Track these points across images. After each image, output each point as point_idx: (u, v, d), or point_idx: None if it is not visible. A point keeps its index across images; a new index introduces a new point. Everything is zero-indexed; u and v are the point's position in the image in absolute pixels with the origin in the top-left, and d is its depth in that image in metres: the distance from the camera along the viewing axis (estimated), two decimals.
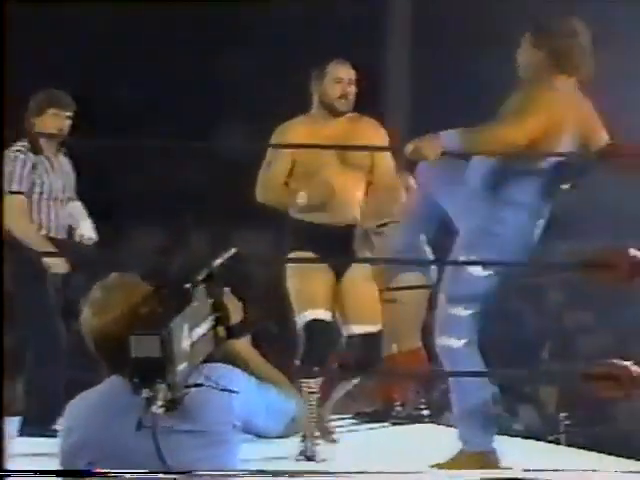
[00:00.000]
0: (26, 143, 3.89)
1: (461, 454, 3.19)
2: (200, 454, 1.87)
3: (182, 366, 1.83)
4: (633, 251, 3.07)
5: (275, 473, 1.97)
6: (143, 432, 1.83)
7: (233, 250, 2.12)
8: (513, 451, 3.34)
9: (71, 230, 3.99)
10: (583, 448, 3.87)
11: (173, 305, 1.85)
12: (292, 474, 2.06)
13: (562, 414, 4.54)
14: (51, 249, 3.87)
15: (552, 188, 3.15)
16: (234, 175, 8.78)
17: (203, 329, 1.90)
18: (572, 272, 3.30)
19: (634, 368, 3.25)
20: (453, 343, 3.10)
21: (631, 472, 3.11)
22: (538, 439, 4.15)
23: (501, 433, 3.39)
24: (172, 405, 1.83)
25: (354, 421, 4.27)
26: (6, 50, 1.71)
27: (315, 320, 3.51)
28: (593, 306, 8.48)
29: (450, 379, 3.25)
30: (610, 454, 3.68)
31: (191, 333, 1.86)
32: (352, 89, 3.50)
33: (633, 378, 3.22)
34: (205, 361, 1.89)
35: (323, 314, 3.52)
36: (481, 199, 3.10)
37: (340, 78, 3.49)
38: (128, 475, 1.84)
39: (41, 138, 3.88)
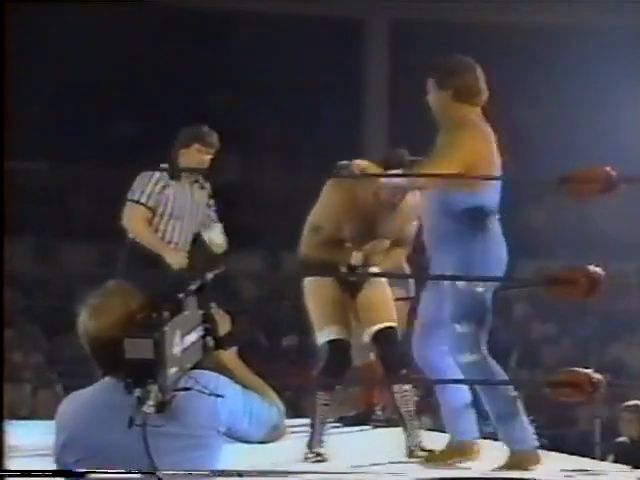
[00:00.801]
0: (167, 166, 4.09)
1: (450, 444, 3.34)
2: (184, 456, 1.88)
3: (173, 370, 1.85)
4: (591, 267, 3.12)
5: (280, 473, 1.99)
6: (132, 431, 1.83)
7: (222, 267, 2.16)
8: (485, 452, 3.38)
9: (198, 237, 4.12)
10: (546, 449, 3.92)
11: (166, 312, 1.86)
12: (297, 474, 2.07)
13: (529, 417, 4.58)
14: (168, 248, 4.00)
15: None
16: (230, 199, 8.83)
17: (193, 337, 1.92)
18: (537, 287, 3.35)
19: (594, 375, 3.30)
20: (467, 358, 3.21)
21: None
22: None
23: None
24: (162, 407, 1.84)
25: (337, 424, 4.29)
26: (6, 50, 1.71)
27: (333, 340, 3.56)
28: (556, 319, 8.53)
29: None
30: (572, 454, 3.72)
31: (182, 340, 1.88)
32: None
33: (593, 384, 3.27)
34: (193, 368, 1.91)
35: (340, 333, 3.57)
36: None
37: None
38: (122, 475, 1.83)
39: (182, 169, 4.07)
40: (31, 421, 4.74)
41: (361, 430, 4.28)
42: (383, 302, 3.64)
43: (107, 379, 1.93)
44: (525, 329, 8.64)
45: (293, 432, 4.21)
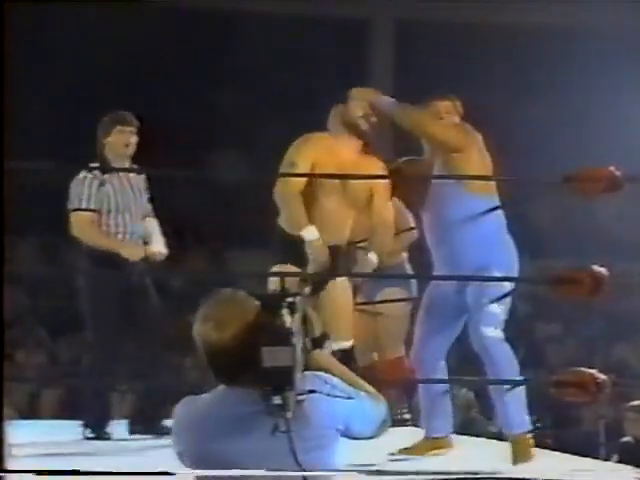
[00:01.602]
0: (97, 164, 4.05)
1: (424, 440, 3.40)
2: (305, 457, 1.90)
3: (299, 375, 1.90)
4: (596, 267, 3.11)
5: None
6: (260, 439, 1.87)
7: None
8: (490, 451, 3.37)
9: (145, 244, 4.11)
10: (551, 449, 3.90)
11: (290, 319, 1.90)
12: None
13: (533, 417, 4.57)
14: (122, 243, 4.00)
15: None
16: (226, 200, 8.83)
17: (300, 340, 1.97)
18: (542, 287, 3.34)
19: (599, 375, 3.29)
20: (493, 333, 3.32)
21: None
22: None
23: (478, 435, 3.43)
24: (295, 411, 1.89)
25: None
26: (6, 50, 1.71)
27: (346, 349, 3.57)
28: (561, 318, 8.51)
29: (418, 376, 3.39)
30: (575, 454, 3.71)
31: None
32: (373, 115, 3.50)
33: (597, 384, 3.26)
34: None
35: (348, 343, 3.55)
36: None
37: (362, 100, 3.49)
38: (127, 477, 1.84)
39: (111, 158, 4.03)
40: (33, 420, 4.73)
41: None
42: (345, 311, 3.56)
43: (223, 388, 1.94)
44: (529, 329, 8.62)
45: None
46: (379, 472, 2.11)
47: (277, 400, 1.86)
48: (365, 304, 4.16)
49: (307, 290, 1.92)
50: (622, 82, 8.38)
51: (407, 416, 4.35)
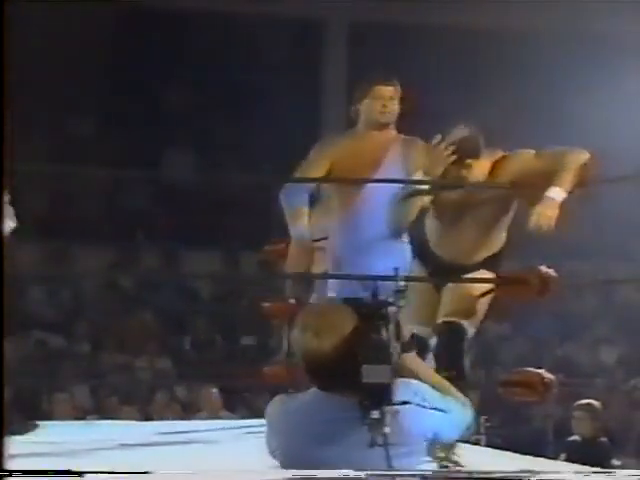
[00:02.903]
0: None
1: None
2: (394, 463, 1.93)
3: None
4: (544, 268, 3.15)
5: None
6: (345, 444, 1.91)
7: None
8: None
9: None
10: (500, 448, 3.93)
11: (377, 330, 1.95)
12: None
13: (483, 417, 4.61)
14: None
15: None
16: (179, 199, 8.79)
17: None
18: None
19: (546, 375, 3.33)
20: None
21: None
22: (461, 441, 4.20)
23: None
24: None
25: None
26: (6, 50, 1.69)
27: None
28: (511, 318, 8.60)
29: None
30: (525, 453, 3.74)
31: None
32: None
33: (545, 384, 3.29)
34: None
35: (418, 329, 3.39)
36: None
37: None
38: (122, 476, 1.84)
39: None
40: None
41: None
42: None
43: (317, 392, 1.98)
44: (480, 328, 8.69)
45: (250, 432, 4.22)
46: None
47: (375, 414, 1.91)
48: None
49: (403, 301, 1.94)
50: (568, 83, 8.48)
51: None
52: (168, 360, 7.67)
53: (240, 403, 6.94)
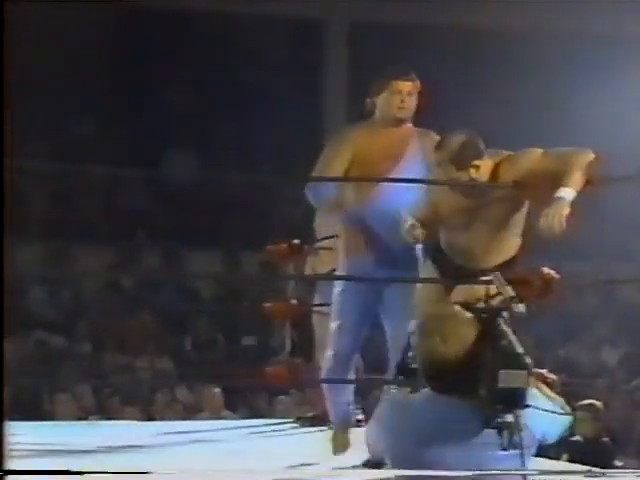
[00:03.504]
0: None
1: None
2: (506, 463, 1.97)
3: None
4: (546, 270, 3.15)
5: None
6: (462, 446, 1.95)
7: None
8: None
9: None
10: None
11: (503, 333, 2.02)
12: None
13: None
14: None
15: None
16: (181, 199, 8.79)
17: None
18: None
19: (549, 375, 3.33)
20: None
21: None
22: None
23: None
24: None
25: (295, 424, 4.29)
26: (6, 50, 1.70)
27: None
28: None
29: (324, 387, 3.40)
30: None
31: None
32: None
33: (548, 384, 3.29)
34: None
35: None
36: None
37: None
38: (122, 476, 1.85)
39: None
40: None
41: (320, 431, 4.28)
42: None
43: (432, 393, 2.02)
44: None
45: (252, 432, 4.22)
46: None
47: (508, 418, 1.95)
48: (322, 305, 4.17)
49: (522, 308, 2.00)
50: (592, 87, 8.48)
51: (360, 417, 4.37)
52: (169, 360, 7.67)
53: (242, 403, 6.94)
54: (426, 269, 3.35)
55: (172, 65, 9.18)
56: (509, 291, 2.24)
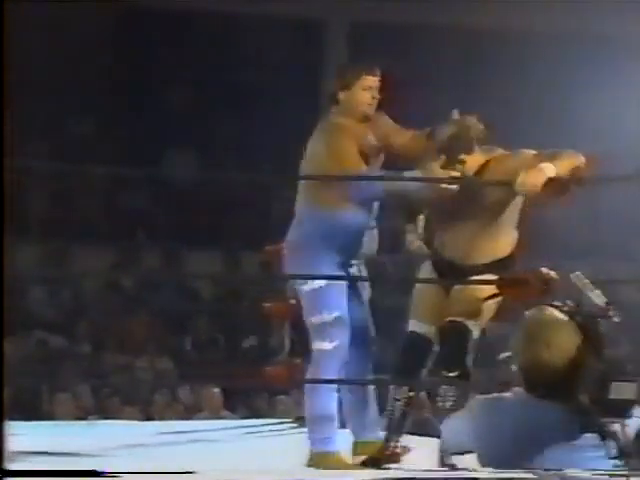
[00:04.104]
0: None
1: (310, 454, 3.19)
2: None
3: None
4: (545, 270, 3.16)
5: None
6: (555, 449, 1.98)
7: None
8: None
9: None
10: None
11: (604, 342, 2.07)
12: None
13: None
14: None
15: None
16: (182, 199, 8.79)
17: None
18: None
19: None
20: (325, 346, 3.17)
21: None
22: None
23: (431, 435, 3.43)
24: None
25: (295, 425, 4.29)
26: (6, 50, 1.70)
27: (412, 332, 3.34)
28: (512, 319, 8.60)
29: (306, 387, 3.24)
30: None
31: None
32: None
33: None
34: None
35: (421, 327, 3.34)
36: None
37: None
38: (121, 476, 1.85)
39: None
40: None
41: None
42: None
43: (528, 396, 2.05)
44: (482, 330, 8.70)
45: (250, 432, 4.22)
46: None
47: (615, 427, 2.00)
48: None
49: (617, 317, 2.06)
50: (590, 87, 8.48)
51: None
52: (169, 360, 7.67)
53: (241, 403, 6.94)
54: (424, 269, 3.35)
55: (172, 65, 9.18)
56: (597, 296, 2.26)
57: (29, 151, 7.98)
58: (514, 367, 2.10)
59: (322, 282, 3.16)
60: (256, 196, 8.75)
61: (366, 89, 3.31)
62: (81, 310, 8.20)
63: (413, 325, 3.35)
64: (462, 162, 3.18)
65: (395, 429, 3.36)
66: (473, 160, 3.22)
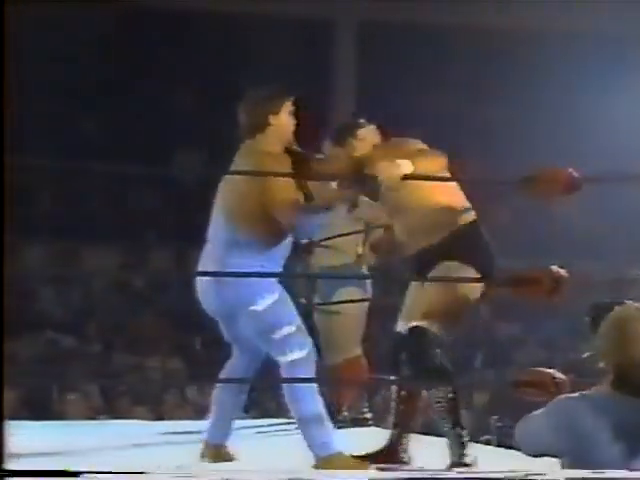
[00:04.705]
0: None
1: (315, 460, 3.14)
2: None
3: None
4: (555, 268, 3.14)
5: None
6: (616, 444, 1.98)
7: None
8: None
9: None
10: (511, 448, 3.92)
11: None
12: None
13: (493, 417, 4.60)
14: None
15: None
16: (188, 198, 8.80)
17: None
18: (501, 288, 3.35)
19: (558, 375, 3.32)
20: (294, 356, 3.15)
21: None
22: (471, 440, 4.19)
23: (438, 435, 3.42)
24: None
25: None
26: (6, 50, 1.70)
27: (398, 332, 3.31)
28: (522, 318, 8.58)
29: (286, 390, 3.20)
30: None
31: None
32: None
33: (556, 384, 3.29)
34: None
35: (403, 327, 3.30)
36: None
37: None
38: (121, 476, 1.85)
39: None
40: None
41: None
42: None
43: (614, 393, 2.07)
44: (491, 329, 8.67)
45: (260, 432, 4.21)
46: None
47: None
48: (323, 304, 4.18)
49: None
50: (582, 84, 8.45)
51: (368, 415, 4.36)
52: (179, 360, 7.67)
53: (251, 403, 6.94)
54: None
55: (184, 65, 9.19)
56: None
57: (39, 150, 7.99)
58: (601, 365, 2.10)
59: (276, 295, 3.14)
60: None
61: (291, 115, 3.24)
62: (91, 310, 8.21)
63: (400, 326, 3.33)
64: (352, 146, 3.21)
65: (396, 430, 3.34)
66: (363, 145, 3.24)
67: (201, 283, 3.29)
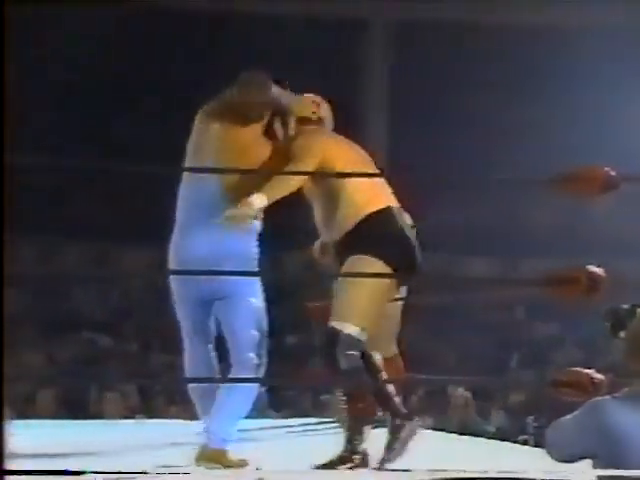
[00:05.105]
0: None
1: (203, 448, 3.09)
2: None
3: None
4: (592, 267, 3.10)
5: None
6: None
7: None
8: (486, 450, 3.35)
9: None
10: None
11: None
12: None
13: (530, 417, 4.56)
14: None
15: None
16: None
17: None
18: (537, 288, 3.32)
19: (595, 375, 3.28)
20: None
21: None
22: (508, 440, 4.16)
23: (476, 435, 3.40)
24: None
25: (337, 424, 4.26)
26: (6, 50, 1.71)
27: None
28: (559, 318, 8.51)
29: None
30: None
31: None
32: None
33: (594, 384, 3.25)
34: None
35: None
36: None
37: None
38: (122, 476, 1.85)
39: None
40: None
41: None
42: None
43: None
44: (527, 329, 8.60)
45: (291, 432, 4.20)
46: None
47: None
48: None
49: None
50: (620, 82, 8.36)
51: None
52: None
53: (285, 402, 6.94)
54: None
55: (214, 67, 9.21)
56: None
57: (76, 152, 8.03)
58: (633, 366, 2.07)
59: (261, 298, 3.14)
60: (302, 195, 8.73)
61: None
62: (129, 310, 8.25)
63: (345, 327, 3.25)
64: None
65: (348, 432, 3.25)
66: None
67: (194, 264, 3.19)
